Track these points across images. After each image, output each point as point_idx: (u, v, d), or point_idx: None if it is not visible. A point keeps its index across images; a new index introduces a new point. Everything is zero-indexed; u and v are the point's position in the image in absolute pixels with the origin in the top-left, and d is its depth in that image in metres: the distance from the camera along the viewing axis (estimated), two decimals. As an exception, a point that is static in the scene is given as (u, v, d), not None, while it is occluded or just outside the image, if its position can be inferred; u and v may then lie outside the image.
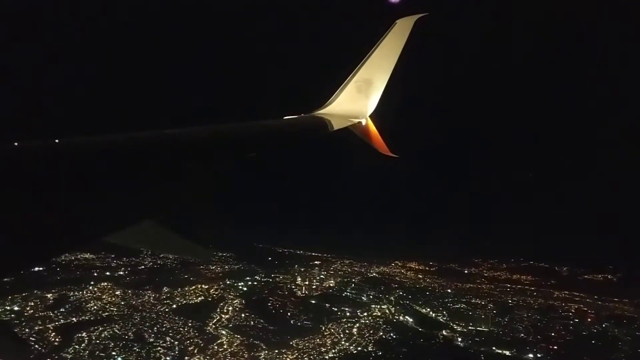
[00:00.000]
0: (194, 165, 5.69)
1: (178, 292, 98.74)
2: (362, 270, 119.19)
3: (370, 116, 12.86)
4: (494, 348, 79.53)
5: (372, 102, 12.69)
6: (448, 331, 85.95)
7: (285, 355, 76.55)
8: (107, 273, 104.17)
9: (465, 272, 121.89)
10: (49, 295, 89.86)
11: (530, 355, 77.10)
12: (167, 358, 73.43)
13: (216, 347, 77.77)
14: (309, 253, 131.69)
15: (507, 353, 78.24)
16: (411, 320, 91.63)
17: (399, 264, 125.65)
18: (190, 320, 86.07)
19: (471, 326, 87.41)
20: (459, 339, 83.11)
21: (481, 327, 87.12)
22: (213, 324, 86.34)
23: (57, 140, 4.28)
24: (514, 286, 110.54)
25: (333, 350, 78.30)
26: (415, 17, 12.15)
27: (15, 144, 3.84)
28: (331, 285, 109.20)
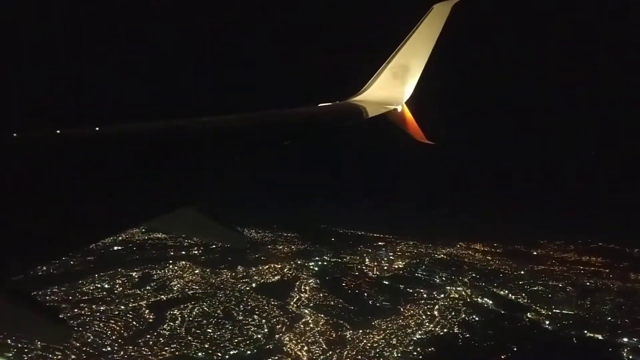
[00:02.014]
0: (229, 152, 5.75)
1: (253, 271, 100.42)
2: (429, 251, 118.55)
3: (406, 103, 12.54)
4: (585, 332, 77.84)
5: (408, 88, 12.39)
6: (533, 314, 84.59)
7: (371, 336, 76.77)
8: (182, 252, 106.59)
9: (534, 253, 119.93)
10: (133, 274, 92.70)
11: (625, 339, 75.17)
12: (258, 336, 74.50)
13: (302, 326, 78.64)
14: (371, 234, 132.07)
15: (600, 337, 76.51)
16: (490, 302, 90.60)
17: (463, 245, 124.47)
18: (272, 299, 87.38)
19: (555, 309, 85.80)
20: (547, 322, 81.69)
21: (566, 310, 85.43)
22: (294, 303, 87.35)
23: (97, 128, 4.34)
24: (587, 268, 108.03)
25: (419, 332, 78.07)
26: (452, 2, 11.78)
27: (58, 131, 3.88)
28: (400, 266, 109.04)
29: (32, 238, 2.94)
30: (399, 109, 12.41)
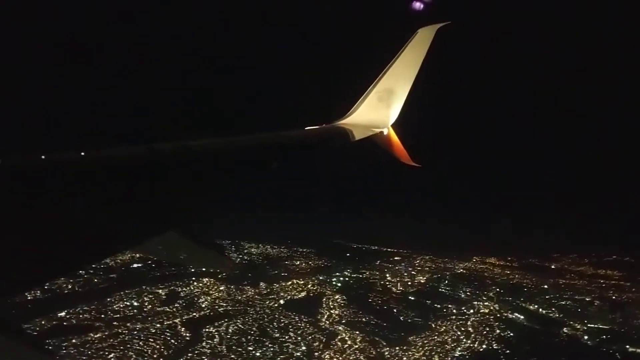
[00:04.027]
0: (217, 175, 5.85)
1: (276, 287, 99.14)
2: (447, 266, 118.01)
3: (391, 126, 12.70)
4: (627, 347, 77.19)
5: (393, 111, 12.59)
6: (569, 329, 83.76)
7: (410, 353, 75.63)
8: (202, 269, 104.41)
9: (552, 267, 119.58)
10: (159, 291, 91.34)
11: (670, 354, 74.83)
12: (298, 353, 73.17)
13: (340, 343, 77.32)
14: (385, 249, 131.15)
15: (643, 352, 76.03)
16: (522, 317, 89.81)
17: (479, 259, 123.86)
18: (303, 316, 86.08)
19: (590, 323, 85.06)
20: (585, 337, 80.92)
21: (600, 325, 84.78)
22: (325, 319, 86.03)
23: (82, 153, 4.34)
24: (608, 282, 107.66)
25: (459, 348, 77.11)
26: (436, 27, 11.97)
27: (43, 156, 3.91)
28: (422, 281, 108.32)
29: (11, 264, 2.95)
30: (385, 131, 12.54)
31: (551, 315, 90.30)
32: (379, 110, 12.35)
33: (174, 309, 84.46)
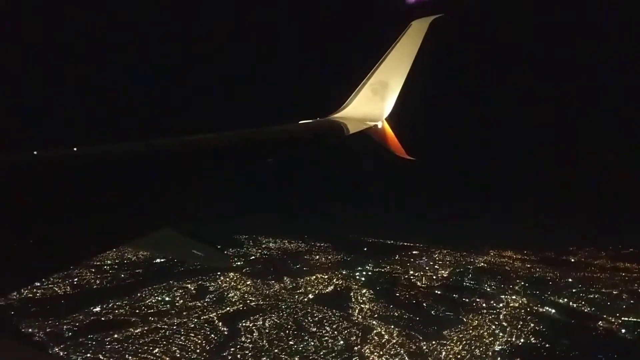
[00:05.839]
0: (211, 170, 5.84)
1: (302, 282, 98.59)
2: (468, 259, 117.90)
3: (386, 119, 12.64)
4: (667, 340, 76.78)
5: (388, 104, 12.59)
6: (604, 322, 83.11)
7: (449, 347, 74.83)
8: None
9: (572, 260, 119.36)
10: (188, 286, 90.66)
11: None
12: (337, 348, 72.34)
13: (377, 338, 76.53)
14: (401, 243, 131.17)
15: (684, 345, 75.51)
16: (553, 311, 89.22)
17: (496, 253, 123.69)
18: (334, 310, 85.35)
19: (623, 317, 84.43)
20: (623, 331, 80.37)
21: (633, 318, 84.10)
22: (357, 314, 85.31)
23: (75, 149, 4.29)
24: (630, 275, 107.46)
25: (497, 343, 76.39)
26: (430, 19, 11.92)
27: (35, 152, 3.87)
28: (445, 275, 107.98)
29: (6, 262, 2.90)
30: (380, 125, 12.51)
31: (582, 309, 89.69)
32: (373, 103, 12.33)
33: (207, 304, 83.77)
